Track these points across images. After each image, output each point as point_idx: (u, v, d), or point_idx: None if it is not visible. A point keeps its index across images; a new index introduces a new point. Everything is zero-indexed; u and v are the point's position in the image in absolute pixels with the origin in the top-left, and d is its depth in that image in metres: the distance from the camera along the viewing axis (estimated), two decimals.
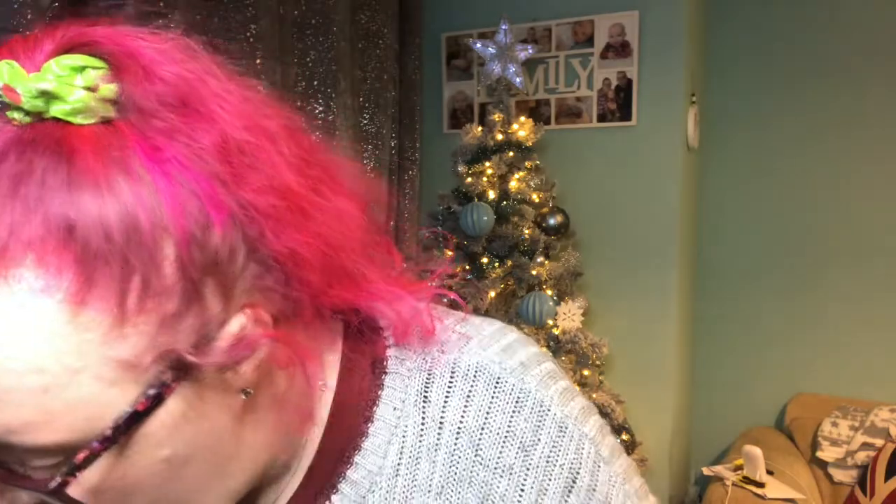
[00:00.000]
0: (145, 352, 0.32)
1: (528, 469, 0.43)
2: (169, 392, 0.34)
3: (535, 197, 2.41)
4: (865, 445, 2.37)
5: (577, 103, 2.63)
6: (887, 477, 2.22)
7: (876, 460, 2.29)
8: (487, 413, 0.44)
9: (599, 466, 0.45)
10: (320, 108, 2.46)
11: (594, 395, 2.35)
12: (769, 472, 2.21)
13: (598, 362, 2.40)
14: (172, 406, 0.34)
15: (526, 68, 2.55)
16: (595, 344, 2.35)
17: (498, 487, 0.43)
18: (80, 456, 0.32)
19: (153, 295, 0.32)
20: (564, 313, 2.37)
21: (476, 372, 0.45)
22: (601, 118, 2.60)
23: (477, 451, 0.43)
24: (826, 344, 2.73)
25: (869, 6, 2.58)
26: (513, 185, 2.38)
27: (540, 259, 2.35)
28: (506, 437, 0.43)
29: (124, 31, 0.35)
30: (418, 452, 0.44)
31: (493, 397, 0.44)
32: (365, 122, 2.69)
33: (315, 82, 2.45)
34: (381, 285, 0.44)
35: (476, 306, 2.36)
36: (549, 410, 0.44)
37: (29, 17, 1.44)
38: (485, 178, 2.38)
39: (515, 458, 0.43)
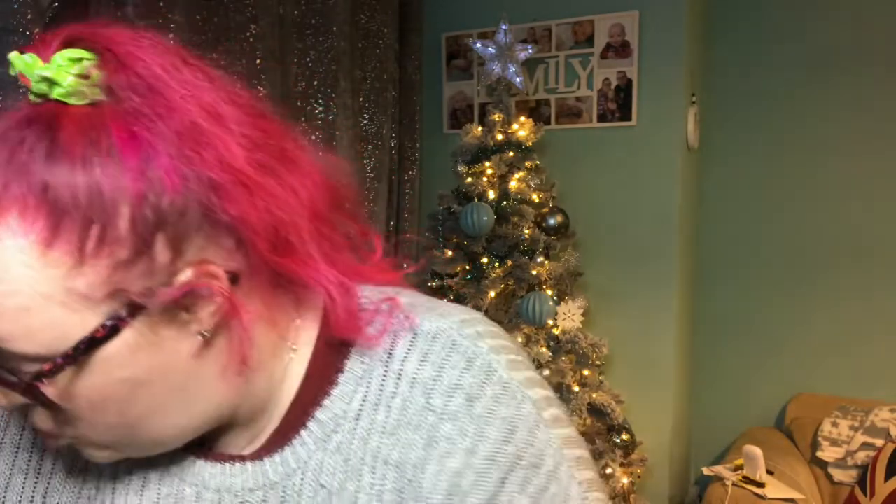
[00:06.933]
0: (100, 287, 0.40)
1: (470, 417, 0.48)
2: (124, 325, 0.42)
3: (535, 197, 2.41)
4: (865, 445, 2.37)
5: (577, 103, 2.63)
6: (887, 477, 2.22)
7: (876, 460, 2.29)
8: (441, 368, 0.49)
9: (539, 427, 0.50)
10: (320, 108, 2.46)
11: (594, 395, 2.35)
12: (769, 472, 2.21)
13: (598, 362, 2.40)
14: (128, 337, 0.42)
15: (526, 68, 2.55)
16: (595, 344, 2.35)
17: (443, 430, 0.48)
18: (47, 366, 0.41)
19: (108, 243, 0.40)
20: (564, 313, 2.37)
21: (435, 335, 0.51)
22: (601, 118, 2.60)
23: (428, 398, 0.49)
24: (826, 344, 2.72)
25: (869, 5, 2.58)
26: (513, 185, 2.38)
27: (540, 259, 2.35)
28: (454, 388, 0.49)
29: (114, 31, 0.43)
30: (378, 399, 0.50)
31: (447, 355, 0.50)
32: (365, 122, 2.69)
33: (315, 82, 2.45)
34: (321, 264, 0.50)
35: (476, 306, 2.36)
36: (495, 371, 0.50)
37: (29, 17, 1.44)
38: (485, 178, 2.38)
39: (460, 406, 0.48)
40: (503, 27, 2.39)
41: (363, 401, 0.51)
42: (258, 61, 2.16)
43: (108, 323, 0.41)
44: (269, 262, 0.46)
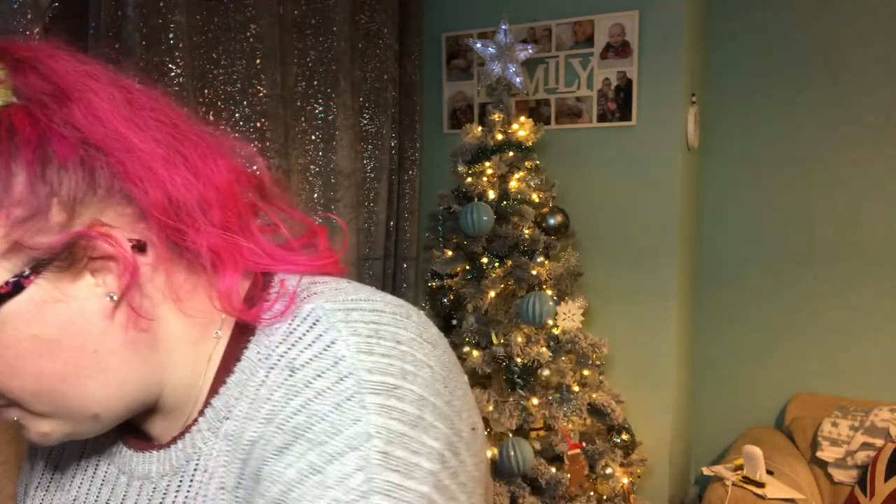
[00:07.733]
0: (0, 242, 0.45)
1: (285, 386, 0.48)
2: (28, 282, 0.46)
3: (535, 197, 2.41)
4: (865, 445, 2.37)
5: (577, 103, 2.63)
6: (887, 477, 2.22)
7: (876, 460, 2.29)
8: (293, 345, 0.49)
9: (351, 406, 0.45)
10: (320, 108, 2.46)
11: (594, 395, 2.35)
12: (769, 472, 2.21)
13: (598, 362, 2.40)
14: (33, 293, 0.46)
15: (526, 68, 2.55)
16: (595, 344, 2.35)
17: (261, 399, 0.49)
18: None
19: (5, 206, 0.45)
20: (564, 313, 2.37)
21: (307, 316, 0.50)
22: (601, 118, 2.60)
23: (268, 373, 0.50)
24: (826, 344, 2.73)
25: (869, 6, 2.58)
26: (513, 185, 2.38)
27: (540, 259, 2.35)
28: (291, 361, 0.49)
29: (20, 43, 0.50)
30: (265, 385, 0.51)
31: (304, 334, 0.49)
32: (365, 122, 2.69)
33: (315, 82, 2.45)
34: (214, 234, 0.52)
35: (476, 306, 2.36)
36: (334, 346, 0.47)
37: (29, 17, 1.44)
38: (485, 178, 2.38)
39: (285, 377, 0.48)
40: (503, 27, 2.39)
41: (258, 388, 0.50)
42: (258, 61, 2.16)
43: (12, 280, 0.45)
44: (164, 228, 0.50)
